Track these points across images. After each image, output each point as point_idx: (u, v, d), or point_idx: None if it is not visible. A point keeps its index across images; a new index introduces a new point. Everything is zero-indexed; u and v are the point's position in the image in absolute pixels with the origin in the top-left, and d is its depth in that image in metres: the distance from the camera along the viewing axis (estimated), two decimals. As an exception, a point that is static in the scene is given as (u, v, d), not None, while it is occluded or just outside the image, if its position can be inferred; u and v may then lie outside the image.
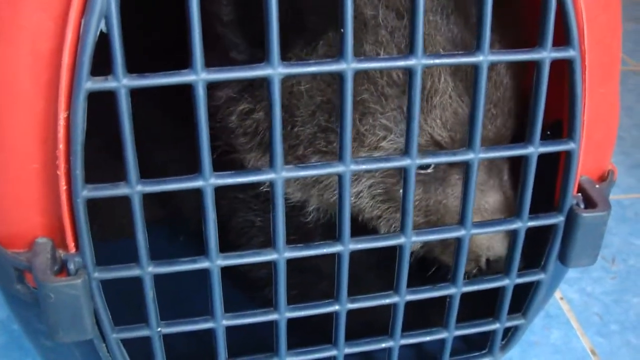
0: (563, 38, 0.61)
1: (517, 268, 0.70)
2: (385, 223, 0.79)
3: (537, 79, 0.62)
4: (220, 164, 0.60)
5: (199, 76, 0.54)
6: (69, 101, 0.55)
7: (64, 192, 0.58)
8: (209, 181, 0.57)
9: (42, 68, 0.56)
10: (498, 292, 0.72)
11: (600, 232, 0.68)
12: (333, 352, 0.69)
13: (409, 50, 0.57)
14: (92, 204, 0.58)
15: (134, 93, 0.55)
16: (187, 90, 0.56)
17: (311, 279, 0.84)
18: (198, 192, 0.59)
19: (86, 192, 0.57)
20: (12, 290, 0.64)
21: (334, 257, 0.64)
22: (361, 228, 0.78)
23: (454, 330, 0.71)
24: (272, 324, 0.66)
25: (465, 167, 0.63)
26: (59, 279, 0.59)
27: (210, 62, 0.55)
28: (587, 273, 1.09)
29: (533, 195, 0.67)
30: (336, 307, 0.66)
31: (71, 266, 0.60)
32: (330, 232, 0.72)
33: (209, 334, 0.66)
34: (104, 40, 0.54)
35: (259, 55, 0.70)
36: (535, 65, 0.61)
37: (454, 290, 0.69)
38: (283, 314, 0.64)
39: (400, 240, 0.64)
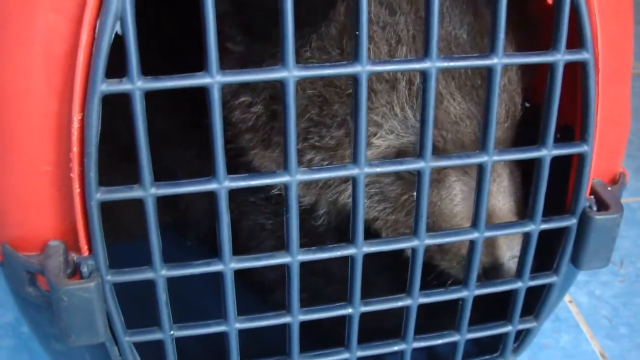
0: (574, 41, 0.61)
1: (529, 271, 0.69)
2: (383, 225, 0.79)
3: (551, 81, 0.61)
4: (229, 167, 0.61)
5: (214, 79, 0.54)
6: (84, 103, 0.55)
7: (78, 194, 0.58)
8: (223, 184, 0.57)
9: (56, 70, 0.56)
10: (508, 295, 0.72)
11: (612, 234, 0.68)
12: (345, 355, 0.69)
13: (424, 52, 0.57)
14: (101, 206, 0.58)
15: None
16: (197, 93, 0.56)
17: (322, 282, 0.84)
18: (208, 196, 0.58)
19: (100, 195, 0.57)
20: (24, 293, 0.64)
21: (344, 260, 0.64)
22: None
23: (466, 333, 0.71)
24: (281, 327, 0.66)
25: (463, 169, 0.63)
26: (72, 282, 0.58)
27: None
28: (596, 276, 1.09)
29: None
30: (349, 310, 0.65)
31: (84, 269, 0.60)
32: (342, 235, 0.72)
33: (220, 336, 0.66)
34: (114, 44, 0.54)
35: (256, 46, 0.70)
36: (549, 67, 0.61)
37: (466, 293, 0.68)
38: (296, 316, 0.64)
39: (414, 243, 0.64)
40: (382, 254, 0.65)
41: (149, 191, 0.57)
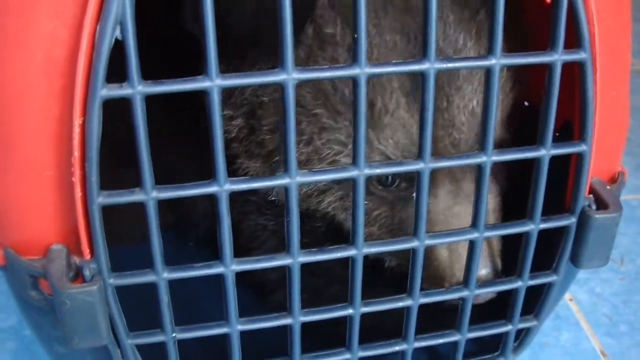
0: (572, 41, 0.61)
1: (529, 270, 0.70)
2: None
3: (549, 81, 0.62)
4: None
5: (213, 82, 0.54)
6: (84, 108, 0.55)
7: (79, 198, 0.58)
8: (223, 187, 0.58)
9: (57, 75, 0.56)
10: (507, 294, 0.73)
11: (612, 233, 0.69)
12: (347, 356, 0.69)
13: (422, 54, 0.57)
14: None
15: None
16: (195, 96, 0.56)
17: (322, 283, 0.84)
18: (209, 198, 0.59)
19: (102, 199, 0.57)
20: (26, 296, 0.64)
21: (345, 261, 0.64)
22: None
23: (466, 332, 0.71)
24: (282, 328, 0.66)
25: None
26: (74, 286, 0.59)
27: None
28: (596, 274, 1.10)
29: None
30: (350, 311, 0.66)
31: (87, 272, 0.60)
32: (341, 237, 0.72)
33: (221, 338, 0.66)
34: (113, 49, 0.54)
35: (233, 63, 0.74)
36: (547, 68, 0.62)
37: (467, 293, 0.69)
38: (297, 318, 0.65)
39: (414, 244, 0.64)
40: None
41: (151, 195, 0.57)
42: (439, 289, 0.69)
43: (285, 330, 0.67)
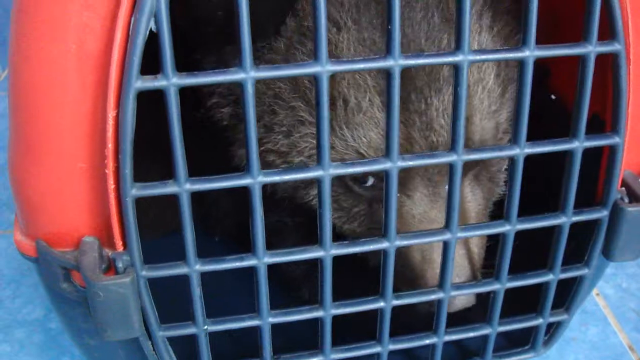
0: (603, 32, 0.61)
1: (560, 263, 0.69)
2: (340, 232, 0.80)
3: (582, 74, 0.61)
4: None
5: (248, 74, 0.54)
6: (118, 100, 0.55)
7: (112, 190, 0.58)
8: (257, 179, 0.58)
9: (90, 67, 0.56)
10: (537, 288, 0.72)
11: (644, 226, 0.68)
12: (377, 349, 0.69)
13: (456, 46, 0.57)
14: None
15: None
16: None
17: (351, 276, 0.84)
18: (232, 194, 0.59)
19: (135, 191, 0.57)
20: (58, 288, 0.65)
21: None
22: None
23: (497, 326, 0.71)
24: (308, 321, 0.66)
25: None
26: (107, 278, 0.59)
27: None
28: (622, 269, 1.09)
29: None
30: (381, 304, 0.66)
31: (120, 264, 0.60)
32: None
33: (249, 332, 0.66)
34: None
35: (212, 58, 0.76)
36: (580, 60, 0.61)
37: (498, 286, 0.68)
38: (328, 310, 0.65)
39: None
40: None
41: (184, 187, 0.57)
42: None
43: (311, 324, 0.67)
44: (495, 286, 0.68)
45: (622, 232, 0.68)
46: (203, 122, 0.81)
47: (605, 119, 0.70)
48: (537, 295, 0.73)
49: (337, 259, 0.63)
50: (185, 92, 0.57)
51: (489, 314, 0.71)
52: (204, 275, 0.63)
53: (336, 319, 0.66)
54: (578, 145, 0.63)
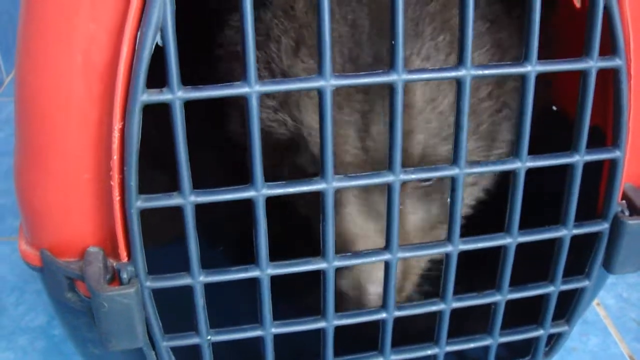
0: (604, 47, 0.61)
1: (561, 275, 0.70)
2: None
3: (583, 88, 0.62)
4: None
5: (252, 88, 0.55)
6: (124, 113, 0.56)
7: (117, 202, 0.59)
8: (260, 192, 0.58)
9: (96, 79, 0.57)
10: (538, 299, 0.73)
11: (645, 239, 0.69)
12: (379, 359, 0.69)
13: (459, 60, 0.58)
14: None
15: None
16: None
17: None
18: (235, 203, 0.59)
19: (140, 203, 0.58)
20: (62, 298, 0.65)
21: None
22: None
23: (498, 337, 0.72)
24: (312, 331, 0.67)
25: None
26: (112, 288, 0.59)
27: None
28: (623, 279, 1.09)
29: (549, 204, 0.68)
30: (383, 315, 0.66)
31: (124, 275, 0.61)
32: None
33: (253, 341, 0.66)
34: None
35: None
36: (581, 74, 0.62)
37: (499, 298, 0.69)
38: (331, 321, 0.65)
39: (448, 248, 0.64)
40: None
41: (188, 199, 0.58)
42: (471, 294, 0.69)
43: (316, 334, 0.67)
44: (496, 297, 0.69)
45: (622, 245, 0.68)
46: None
47: (606, 131, 0.70)
48: (538, 306, 0.73)
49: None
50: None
51: (490, 324, 0.71)
52: (207, 284, 0.63)
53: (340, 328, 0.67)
54: (579, 159, 0.64)
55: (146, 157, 0.66)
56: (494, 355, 0.74)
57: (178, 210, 0.59)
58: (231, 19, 0.79)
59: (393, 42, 0.55)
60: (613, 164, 0.66)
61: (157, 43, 0.55)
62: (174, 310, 0.66)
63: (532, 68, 0.59)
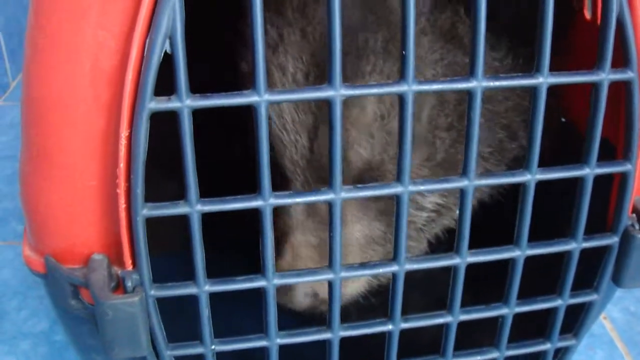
0: (617, 59, 0.61)
1: (569, 289, 0.69)
2: None
3: (595, 101, 0.61)
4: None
5: (261, 97, 0.54)
6: (131, 120, 0.55)
7: (123, 210, 0.58)
8: (268, 201, 0.58)
9: (104, 86, 0.56)
10: (545, 312, 0.72)
11: (655, 253, 0.68)
12: (385, 372, 0.69)
13: (470, 72, 0.57)
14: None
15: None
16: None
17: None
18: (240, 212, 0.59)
19: (146, 211, 0.57)
20: (66, 305, 0.65)
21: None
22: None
23: (505, 350, 0.71)
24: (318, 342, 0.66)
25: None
26: (116, 296, 0.59)
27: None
28: (630, 292, 1.09)
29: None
30: (389, 327, 0.65)
31: (129, 283, 0.60)
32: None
33: (257, 351, 0.66)
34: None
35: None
36: (592, 87, 0.61)
37: (507, 311, 0.68)
38: (337, 332, 0.64)
39: (455, 260, 0.64)
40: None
41: (195, 208, 0.57)
42: (479, 307, 0.69)
43: (321, 345, 0.67)
44: (503, 310, 0.68)
45: (632, 258, 0.67)
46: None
47: (617, 144, 0.70)
48: (545, 318, 0.73)
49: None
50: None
51: (497, 337, 0.70)
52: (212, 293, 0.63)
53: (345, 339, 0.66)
54: (589, 172, 0.63)
55: (154, 164, 0.65)
56: (501, 369, 0.73)
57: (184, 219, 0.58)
58: None
59: (404, 52, 0.55)
60: (624, 177, 0.66)
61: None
62: (178, 318, 0.65)
63: (544, 80, 0.59)
